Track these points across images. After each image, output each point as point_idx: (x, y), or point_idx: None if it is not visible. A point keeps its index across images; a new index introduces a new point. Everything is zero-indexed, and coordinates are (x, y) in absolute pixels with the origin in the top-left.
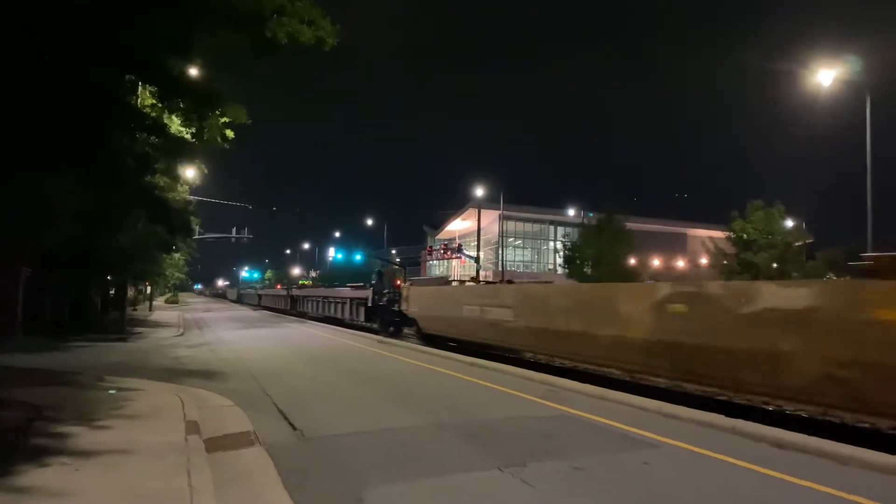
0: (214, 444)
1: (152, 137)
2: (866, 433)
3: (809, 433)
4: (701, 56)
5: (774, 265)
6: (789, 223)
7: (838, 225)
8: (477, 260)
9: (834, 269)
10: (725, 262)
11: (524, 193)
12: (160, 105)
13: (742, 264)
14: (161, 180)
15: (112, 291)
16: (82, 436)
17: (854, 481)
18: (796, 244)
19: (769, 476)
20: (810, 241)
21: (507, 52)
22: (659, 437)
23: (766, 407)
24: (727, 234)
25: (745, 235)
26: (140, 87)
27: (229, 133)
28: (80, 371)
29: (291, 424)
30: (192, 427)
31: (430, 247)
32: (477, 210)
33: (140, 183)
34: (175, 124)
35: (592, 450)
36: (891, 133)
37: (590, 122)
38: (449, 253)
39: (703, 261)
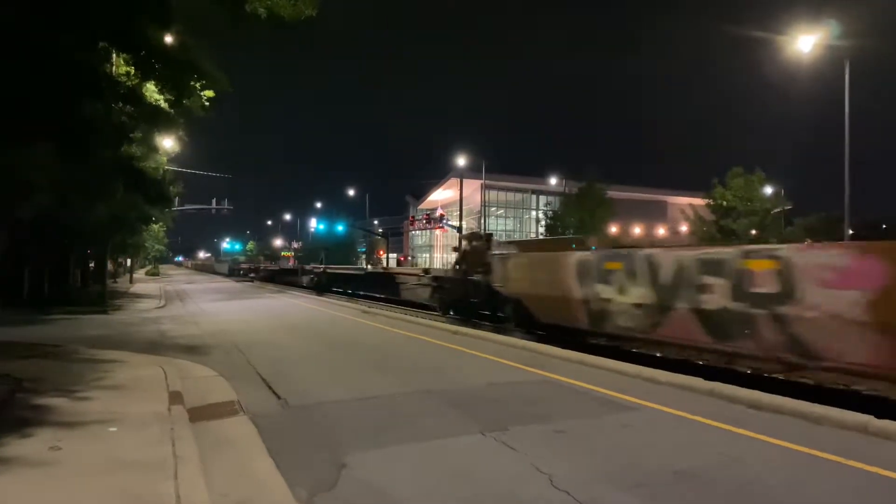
0: (198, 414)
1: (128, 106)
2: (840, 394)
3: (785, 395)
4: (682, 24)
5: (753, 232)
6: (769, 190)
7: (818, 191)
8: (459, 230)
9: (812, 235)
10: (705, 228)
11: (506, 163)
12: (136, 73)
13: (721, 231)
14: (138, 150)
15: (92, 264)
16: (65, 407)
17: (827, 440)
18: (775, 211)
19: (745, 436)
20: (789, 207)
21: (492, 20)
22: (638, 401)
23: (745, 371)
24: (707, 201)
25: (724, 203)
26: (115, 55)
27: (209, 93)
28: (61, 343)
29: (275, 393)
30: (176, 397)
31: (413, 217)
32: (459, 179)
33: (117, 153)
34: (151, 91)
35: (574, 413)
36: (873, 98)
37: (572, 91)
38: (431, 223)
39: (684, 228)
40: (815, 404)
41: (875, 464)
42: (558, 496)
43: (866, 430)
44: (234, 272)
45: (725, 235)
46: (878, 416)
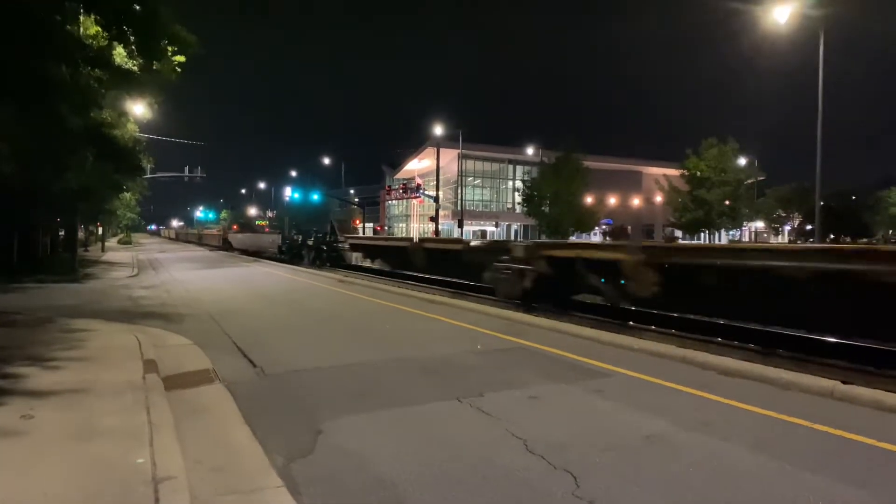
0: (173, 383)
1: (96, 70)
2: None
3: (755, 362)
4: None
5: (727, 202)
6: (742, 161)
7: (792, 162)
8: (436, 199)
9: (784, 206)
10: (679, 199)
11: (484, 133)
12: (104, 34)
13: (695, 201)
14: (108, 116)
15: (62, 232)
16: (36, 376)
17: (795, 405)
18: (748, 181)
19: (715, 401)
20: (762, 178)
21: None
22: (612, 367)
23: (717, 340)
24: (681, 171)
25: (698, 173)
26: (81, 15)
27: (179, 59)
28: (32, 312)
29: (251, 361)
30: (150, 366)
31: (389, 186)
32: (436, 149)
33: (85, 119)
34: (121, 55)
35: (548, 380)
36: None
37: (549, 61)
38: (408, 192)
39: (658, 198)
40: (784, 370)
41: (840, 427)
42: (532, 460)
43: (832, 395)
44: (296, 249)
45: (699, 205)
46: (844, 382)
